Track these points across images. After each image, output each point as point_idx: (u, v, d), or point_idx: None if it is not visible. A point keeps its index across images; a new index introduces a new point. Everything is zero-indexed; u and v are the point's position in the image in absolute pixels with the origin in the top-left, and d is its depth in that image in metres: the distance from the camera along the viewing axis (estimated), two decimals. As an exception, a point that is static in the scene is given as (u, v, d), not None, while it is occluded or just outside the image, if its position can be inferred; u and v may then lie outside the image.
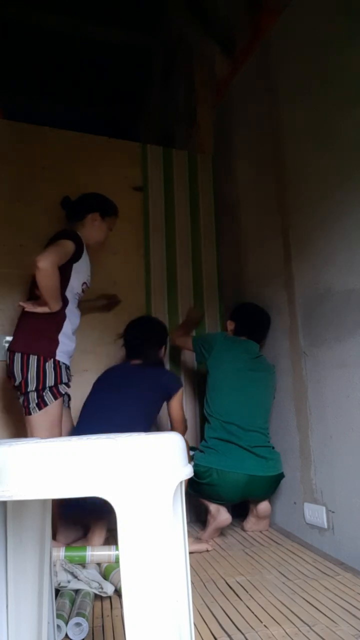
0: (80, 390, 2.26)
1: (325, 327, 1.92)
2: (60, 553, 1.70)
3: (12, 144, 2.56)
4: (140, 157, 2.85)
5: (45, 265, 1.83)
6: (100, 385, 2.14)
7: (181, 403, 2.21)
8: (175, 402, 2.15)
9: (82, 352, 2.39)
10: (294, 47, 2.18)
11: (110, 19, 3.59)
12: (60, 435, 2.00)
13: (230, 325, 2.40)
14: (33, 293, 2.04)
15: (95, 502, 1.67)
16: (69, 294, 2.04)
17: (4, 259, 2.42)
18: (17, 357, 1.92)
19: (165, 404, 2.17)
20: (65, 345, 2.00)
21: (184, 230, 2.85)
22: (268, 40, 2.40)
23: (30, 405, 1.91)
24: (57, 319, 1.99)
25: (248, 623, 1.31)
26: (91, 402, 2.09)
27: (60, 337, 1.99)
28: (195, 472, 2.03)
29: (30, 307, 1.95)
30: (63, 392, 1.98)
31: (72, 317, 2.06)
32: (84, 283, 2.16)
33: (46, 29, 3.62)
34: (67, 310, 2.03)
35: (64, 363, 1.99)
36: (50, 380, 1.92)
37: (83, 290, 2.17)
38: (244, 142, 2.70)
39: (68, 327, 2.02)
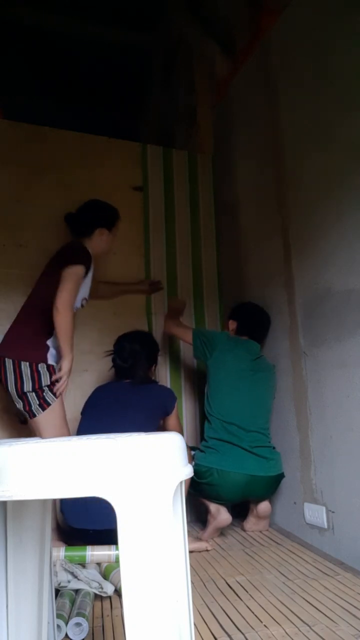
0: (80, 390, 2.26)
1: (325, 327, 1.92)
2: (60, 553, 1.70)
3: (12, 143, 2.56)
4: (140, 157, 2.85)
5: (65, 307, 1.91)
6: (93, 409, 2.10)
7: (177, 416, 2.21)
8: (172, 418, 2.15)
9: (81, 352, 2.39)
10: (294, 47, 2.18)
11: (110, 19, 3.59)
12: (69, 434, 2.01)
13: (232, 325, 2.39)
14: (35, 304, 2.05)
15: (102, 537, 1.69)
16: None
17: (4, 259, 2.42)
18: (9, 363, 1.93)
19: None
20: (53, 354, 2.02)
21: (184, 230, 2.85)
22: (268, 40, 2.40)
23: (33, 407, 1.91)
24: (49, 329, 2.00)
25: (248, 623, 1.31)
26: (85, 427, 2.05)
27: (49, 342, 2.00)
28: (195, 471, 2.03)
29: (62, 383, 1.94)
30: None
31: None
32: (84, 299, 2.18)
33: (46, 29, 3.62)
34: None
35: (54, 366, 2.00)
36: (45, 380, 1.93)
37: (82, 305, 2.17)
38: (244, 142, 2.70)
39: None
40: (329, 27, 1.92)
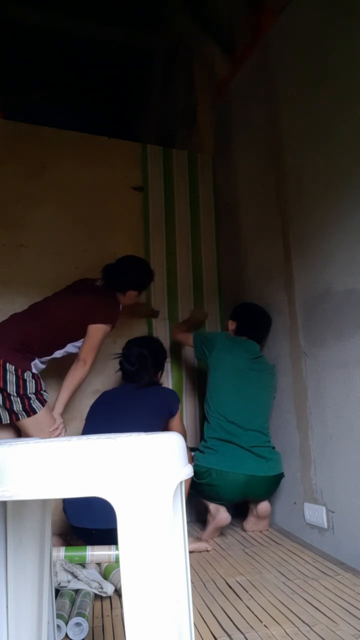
0: (79, 390, 2.26)
1: (325, 327, 1.92)
2: (60, 553, 1.70)
3: (12, 144, 2.56)
4: (140, 157, 2.85)
5: (89, 362, 2.05)
6: (98, 412, 2.11)
7: (181, 418, 2.22)
8: (176, 419, 2.16)
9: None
10: (294, 47, 2.18)
11: (111, 19, 3.58)
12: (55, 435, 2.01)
13: (232, 325, 2.39)
14: (43, 326, 2.04)
15: (103, 536, 1.69)
16: (69, 347, 2.10)
17: (4, 259, 2.42)
18: None
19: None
20: (37, 366, 2.03)
21: (184, 230, 2.85)
22: (268, 40, 2.40)
23: (15, 408, 1.91)
24: (40, 352, 2.02)
25: (248, 623, 1.31)
26: (89, 429, 2.05)
27: (35, 361, 2.01)
28: (195, 472, 2.03)
29: (60, 431, 2.03)
30: (47, 399, 1.99)
31: (49, 357, 2.09)
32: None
33: (46, 29, 3.62)
34: (56, 352, 2.08)
35: (38, 374, 2.00)
36: (31, 388, 1.93)
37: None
38: (244, 142, 2.70)
39: (45, 359, 2.07)
40: (329, 27, 1.92)
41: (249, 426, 2.13)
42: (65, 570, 1.56)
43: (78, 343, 2.09)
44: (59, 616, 1.27)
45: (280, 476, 2.13)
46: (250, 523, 2.19)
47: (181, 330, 2.51)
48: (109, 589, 1.51)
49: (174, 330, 2.55)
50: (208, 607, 1.43)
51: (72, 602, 1.41)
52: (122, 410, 2.04)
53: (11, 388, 1.89)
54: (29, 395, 1.91)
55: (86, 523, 1.78)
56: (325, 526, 1.87)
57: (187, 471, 0.78)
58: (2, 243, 2.43)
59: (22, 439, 1.02)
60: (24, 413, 1.92)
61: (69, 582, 1.50)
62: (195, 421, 2.63)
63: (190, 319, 2.65)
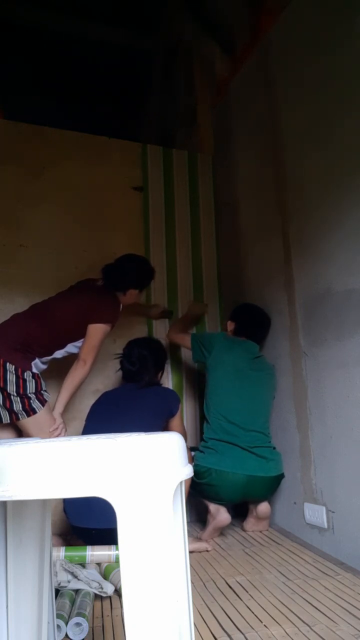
0: (80, 390, 2.26)
1: (325, 327, 1.92)
2: (60, 553, 1.70)
3: (12, 144, 2.56)
4: (140, 157, 2.85)
5: (89, 361, 2.05)
6: (98, 412, 2.11)
7: (181, 418, 2.22)
8: (176, 419, 2.16)
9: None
10: (293, 47, 2.18)
11: (111, 19, 3.59)
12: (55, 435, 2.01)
13: (230, 326, 2.39)
14: (44, 325, 2.03)
15: (103, 536, 1.69)
16: (70, 347, 2.10)
17: (4, 259, 2.42)
18: None
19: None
20: (38, 366, 2.03)
21: (184, 230, 2.85)
22: (268, 40, 2.40)
23: (15, 408, 1.91)
24: (40, 352, 2.02)
25: (248, 623, 1.31)
26: (90, 429, 2.05)
27: (35, 361, 2.00)
28: (195, 472, 2.03)
29: (60, 431, 2.03)
30: (47, 399, 1.99)
31: (49, 357, 2.09)
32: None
33: (47, 29, 3.62)
34: (56, 352, 2.08)
35: (38, 374, 2.00)
36: (31, 388, 1.92)
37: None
38: (244, 142, 2.70)
39: (46, 359, 2.07)
40: (329, 27, 1.92)
41: (249, 427, 2.12)
42: (65, 570, 1.56)
43: (78, 343, 2.09)
44: (59, 616, 1.27)
45: (281, 477, 2.13)
46: (250, 523, 2.19)
47: (177, 330, 2.48)
48: (109, 589, 1.51)
49: (170, 330, 2.51)
50: (208, 607, 1.43)
51: (72, 602, 1.41)
52: (122, 410, 2.04)
53: (11, 388, 1.89)
54: (29, 395, 1.91)
55: (86, 523, 1.78)
56: (325, 526, 1.87)
57: (187, 471, 0.78)
58: (2, 243, 2.44)
59: (22, 439, 1.02)
60: (24, 413, 1.92)
61: (69, 582, 1.50)
62: (195, 421, 2.63)
63: (189, 312, 2.61)
